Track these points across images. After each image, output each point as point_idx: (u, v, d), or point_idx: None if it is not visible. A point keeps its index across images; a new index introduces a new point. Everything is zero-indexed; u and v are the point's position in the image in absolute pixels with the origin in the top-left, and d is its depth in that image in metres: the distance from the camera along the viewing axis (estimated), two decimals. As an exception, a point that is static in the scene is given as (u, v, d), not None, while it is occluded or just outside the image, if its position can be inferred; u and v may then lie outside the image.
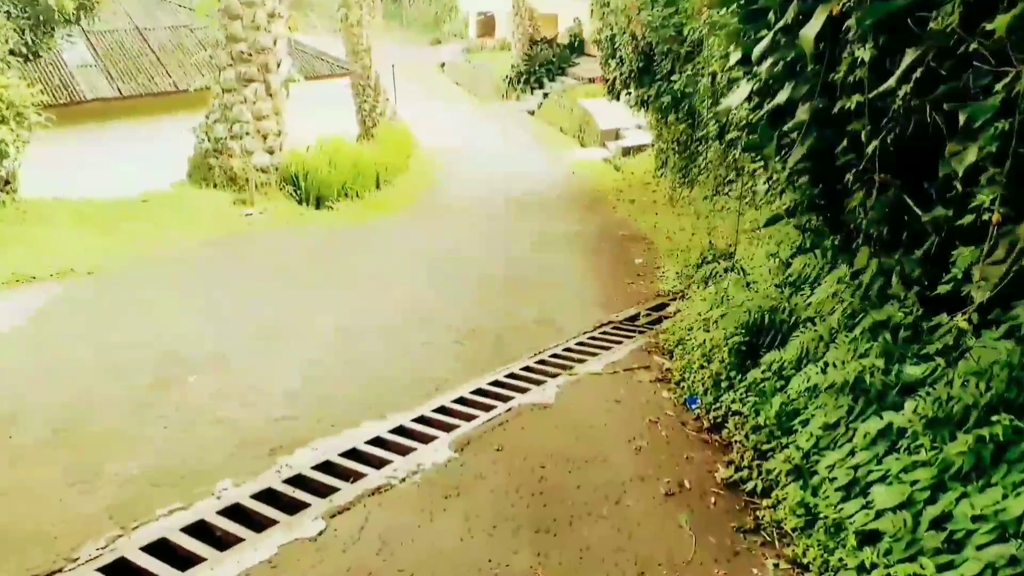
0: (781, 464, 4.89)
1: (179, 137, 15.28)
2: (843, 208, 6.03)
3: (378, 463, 5.37)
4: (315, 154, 16.17)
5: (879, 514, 3.83)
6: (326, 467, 5.32)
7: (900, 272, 5.16)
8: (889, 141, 4.39)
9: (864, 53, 4.15)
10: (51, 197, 13.14)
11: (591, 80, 27.68)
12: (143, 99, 17.97)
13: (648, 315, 9.03)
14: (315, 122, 17.14)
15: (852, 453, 4.51)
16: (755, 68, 5.42)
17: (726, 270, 8.08)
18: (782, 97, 5.16)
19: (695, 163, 15.29)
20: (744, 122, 8.10)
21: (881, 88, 4.20)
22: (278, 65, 15.07)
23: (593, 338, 8.20)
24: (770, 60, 5.15)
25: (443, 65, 38.50)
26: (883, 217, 5.13)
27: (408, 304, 9.44)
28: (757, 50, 5.13)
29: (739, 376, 6.32)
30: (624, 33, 15.55)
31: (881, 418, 4.51)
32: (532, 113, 29.00)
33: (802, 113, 5.17)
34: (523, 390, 6.70)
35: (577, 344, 8.00)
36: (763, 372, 6.10)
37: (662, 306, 9.38)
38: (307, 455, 5.46)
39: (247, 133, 14.77)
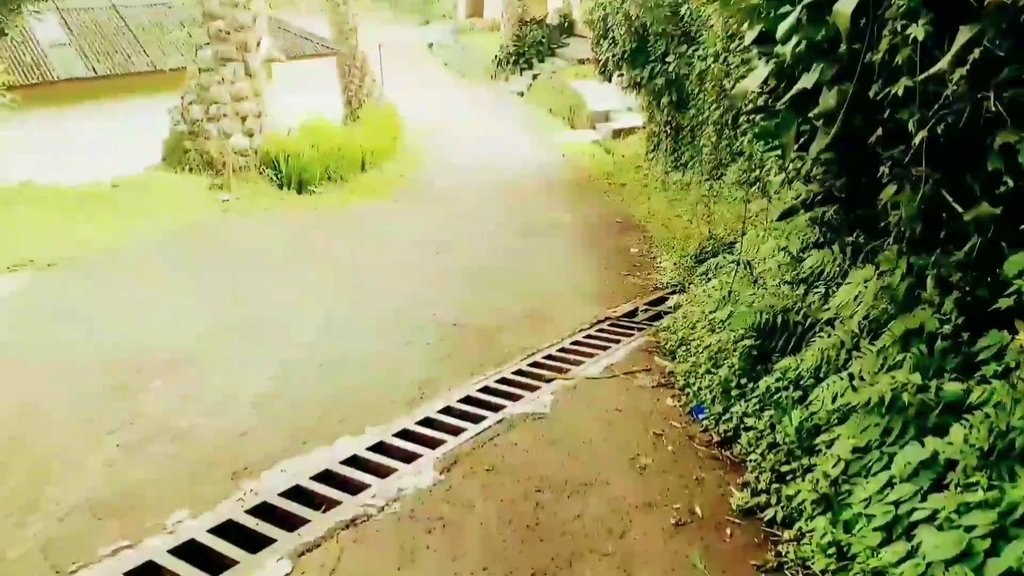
0: (806, 492, 4.37)
1: (156, 119, 14.56)
2: (869, 202, 5.52)
3: (354, 488, 4.82)
4: (297, 136, 15.46)
5: (930, 564, 3.31)
6: (295, 493, 4.76)
7: (936, 275, 4.64)
8: (940, 131, 3.83)
9: (917, 31, 3.57)
10: (17, 182, 12.43)
11: (581, 61, 27.00)
12: (119, 79, 17.18)
13: (646, 310, 8.50)
14: (299, 104, 16.44)
15: (891, 484, 3.99)
16: (777, 48, 4.84)
17: (734, 263, 7.53)
18: (809, 80, 4.58)
19: (690, 147, 14.77)
20: (753, 106, 7.56)
21: (932, 70, 3.64)
22: (258, 44, 14.32)
23: (589, 336, 7.66)
24: (795, 39, 4.58)
25: (431, 46, 37.58)
26: (918, 213, 4.61)
27: (392, 297, 8.87)
28: (783, 27, 4.55)
29: (750, 384, 5.80)
30: (617, 13, 14.95)
31: (923, 445, 3.99)
32: (522, 95, 28.28)
33: (830, 98, 4.60)
34: (515, 397, 6.16)
35: (572, 344, 7.46)
36: (777, 380, 5.58)
37: (661, 300, 8.85)
38: (274, 479, 4.90)
39: (225, 115, 14.04)
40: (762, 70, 5.35)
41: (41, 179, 12.68)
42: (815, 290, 6.23)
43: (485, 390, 6.28)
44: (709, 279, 8.39)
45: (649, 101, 15.91)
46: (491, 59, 30.72)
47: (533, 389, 6.30)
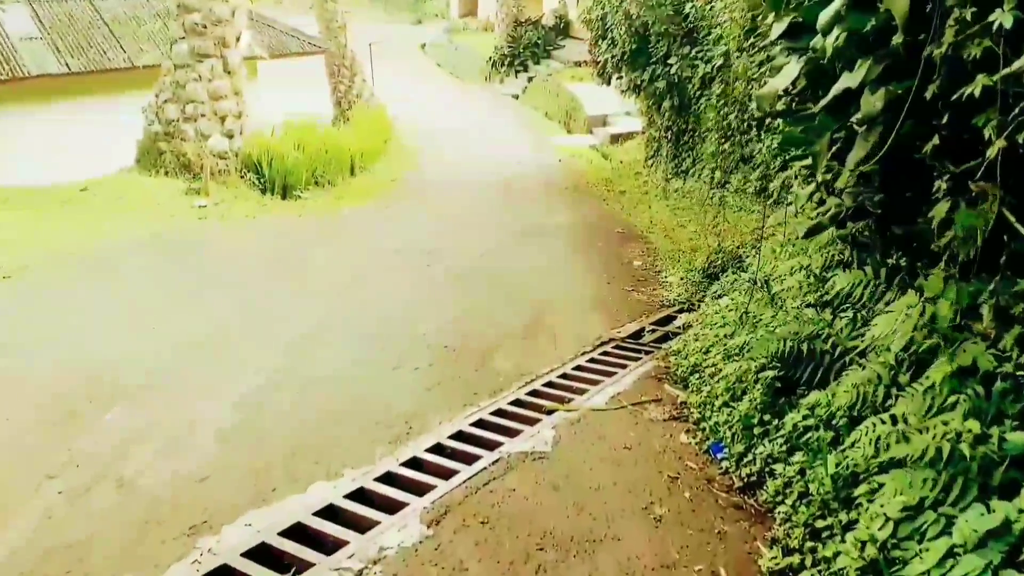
0: (850, 558, 3.76)
1: (133, 118, 13.87)
2: (910, 219, 4.95)
3: (329, 546, 4.19)
4: (281, 137, 14.78)
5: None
6: (260, 553, 4.12)
7: (995, 305, 4.07)
8: (1021, 139, 3.23)
9: (1004, 17, 2.98)
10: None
11: (578, 64, 26.47)
12: (94, 76, 16.43)
13: (653, 330, 7.89)
14: (286, 104, 15.81)
15: (953, 555, 3.39)
16: (814, 41, 4.25)
17: (750, 282, 6.93)
18: (853, 79, 3.99)
19: (691, 153, 14.25)
20: (772, 110, 7.00)
21: (1015, 66, 3.06)
22: (237, 39, 13.65)
23: (593, 360, 7.06)
24: (837, 31, 3.99)
25: (424, 46, 36.96)
26: (974, 234, 4.03)
27: (377, 313, 8.24)
28: (824, 16, 3.95)
29: (774, 420, 5.21)
30: (617, 12, 14.39)
31: (988, 508, 3.40)
32: (517, 97, 27.70)
33: (876, 100, 4.02)
34: (513, 432, 5.53)
35: (575, 368, 6.85)
36: (804, 417, 5.00)
37: (668, 319, 8.26)
38: (237, 535, 4.26)
39: (202, 114, 13.34)
40: (793, 68, 4.77)
41: (7, 181, 12.01)
42: (842, 314, 5.65)
43: (479, 424, 5.66)
44: (720, 297, 7.82)
45: (649, 105, 15.38)
46: (485, 60, 30.10)
47: (532, 422, 5.68)
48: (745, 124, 9.15)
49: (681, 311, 8.32)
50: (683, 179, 14.34)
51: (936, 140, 3.87)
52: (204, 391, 6.18)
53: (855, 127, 4.26)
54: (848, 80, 4.04)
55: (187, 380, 6.37)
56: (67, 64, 15.66)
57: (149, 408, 5.87)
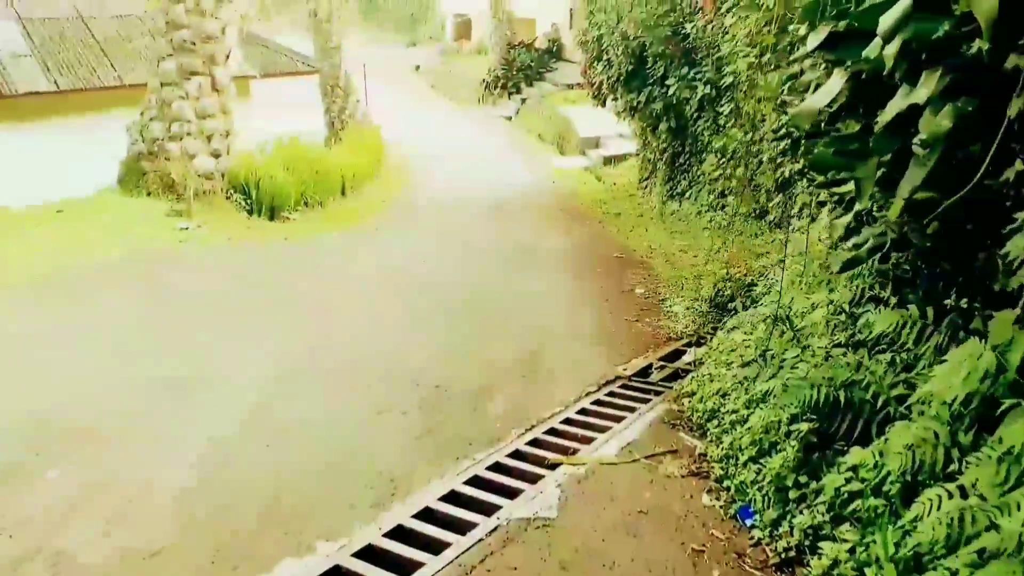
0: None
1: (118, 136, 13.26)
2: (966, 253, 4.38)
3: (295, 643, 3.52)
4: (268, 157, 14.17)
5: None
6: (211, 654, 3.45)
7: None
8: None
9: None
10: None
11: (570, 86, 26.24)
12: (84, 94, 15.88)
13: (662, 366, 7.27)
14: (279, 124, 15.25)
15: (1064, 676, 2.76)
16: (868, 50, 3.67)
17: (774, 321, 6.29)
18: (919, 95, 3.40)
19: (687, 175, 13.79)
20: (789, 131, 6.45)
21: None
22: (227, 57, 13.09)
23: (598, 402, 6.43)
24: (899, 39, 3.41)
25: (418, 67, 36.70)
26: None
27: (363, 348, 7.58)
28: (886, 21, 3.36)
29: (811, 482, 4.57)
30: (613, 33, 13.97)
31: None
32: (510, 119, 27.33)
33: (941, 119, 3.44)
34: (513, 493, 4.88)
35: (579, 412, 6.22)
36: (847, 480, 4.37)
37: (676, 353, 7.65)
38: (185, 629, 3.58)
39: (188, 133, 12.72)
40: (836, 82, 4.19)
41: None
42: (879, 356, 5.04)
43: (474, 482, 5.00)
44: (733, 331, 7.19)
45: (644, 127, 14.93)
46: (479, 82, 29.78)
47: (534, 479, 5.03)
48: (756, 146, 8.58)
49: (689, 344, 7.71)
50: (678, 202, 13.88)
51: (1019, 165, 3.29)
52: (165, 442, 5.49)
53: (917, 149, 3.67)
54: (912, 96, 3.45)
55: (144, 430, 5.68)
56: (56, 82, 15.13)
57: (102, 462, 5.18)
